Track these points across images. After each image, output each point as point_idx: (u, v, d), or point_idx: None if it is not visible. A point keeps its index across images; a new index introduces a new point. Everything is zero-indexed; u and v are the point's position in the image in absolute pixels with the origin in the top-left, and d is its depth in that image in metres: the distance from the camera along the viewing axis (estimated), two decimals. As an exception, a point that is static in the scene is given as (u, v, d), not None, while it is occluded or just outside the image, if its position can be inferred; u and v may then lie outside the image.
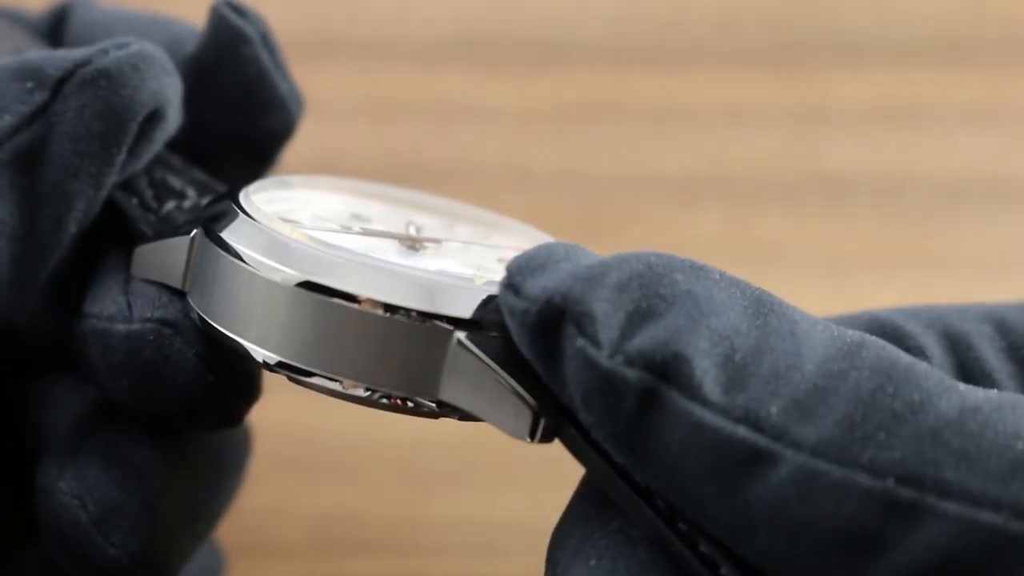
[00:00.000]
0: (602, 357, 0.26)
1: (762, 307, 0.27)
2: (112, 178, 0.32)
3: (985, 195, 0.55)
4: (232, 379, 0.32)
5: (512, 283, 0.28)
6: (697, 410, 0.26)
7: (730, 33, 0.60)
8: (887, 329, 0.31)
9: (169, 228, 0.33)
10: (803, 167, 0.56)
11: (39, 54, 0.32)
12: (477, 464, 0.47)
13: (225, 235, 0.32)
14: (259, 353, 0.31)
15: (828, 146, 0.57)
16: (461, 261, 0.33)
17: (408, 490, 0.47)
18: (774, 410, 0.25)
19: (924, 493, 0.24)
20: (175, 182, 0.35)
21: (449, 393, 0.30)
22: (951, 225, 0.55)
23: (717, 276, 0.28)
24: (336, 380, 0.31)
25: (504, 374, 0.29)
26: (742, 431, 0.25)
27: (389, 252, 0.33)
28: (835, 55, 0.59)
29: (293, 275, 0.30)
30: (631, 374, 0.26)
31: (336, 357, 0.30)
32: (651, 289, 0.27)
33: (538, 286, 0.27)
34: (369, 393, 0.31)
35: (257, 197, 0.34)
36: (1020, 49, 0.60)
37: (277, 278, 0.30)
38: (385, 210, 0.36)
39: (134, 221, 0.34)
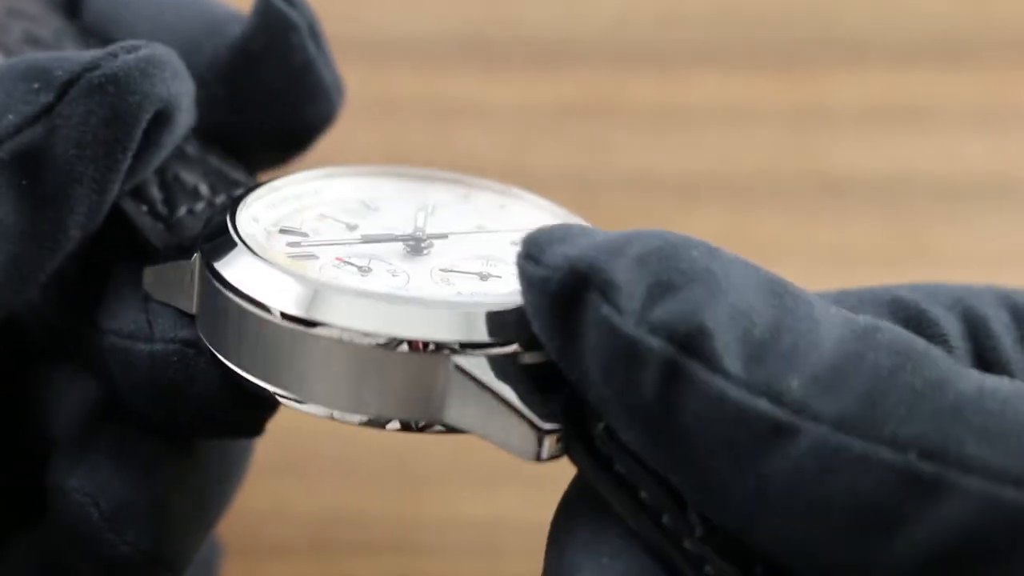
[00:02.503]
0: (627, 325, 0.26)
1: (777, 288, 0.27)
2: (117, 184, 0.32)
3: (985, 195, 0.55)
4: (254, 394, 0.32)
5: (531, 253, 0.28)
6: (719, 382, 0.26)
7: (730, 33, 0.60)
8: (910, 312, 0.30)
9: (176, 244, 0.33)
10: (803, 167, 0.56)
11: (47, 55, 0.32)
12: (477, 464, 0.47)
13: (219, 267, 0.31)
14: (257, 385, 0.31)
15: (828, 146, 0.57)
16: (470, 253, 0.33)
17: (408, 490, 0.47)
18: (795, 384, 0.25)
19: (946, 468, 0.24)
20: (188, 177, 0.35)
21: (453, 417, 0.30)
22: (951, 225, 0.55)
23: (732, 257, 0.28)
24: (333, 410, 0.31)
25: (505, 394, 0.29)
26: (763, 404, 0.25)
27: (392, 256, 0.33)
28: (835, 55, 0.59)
29: (280, 309, 0.30)
30: (655, 343, 0.26)
31: (332, 389, 0.30)
32: (671, 263, 0.27)
33: (559, 254, 0.27)
34: (368, 419, 0.30)
35: (259, 204, 0.34)
36: (1020, 49, 0.60)
37: (265, 313, 0.30)
38: (397, 189, 0.36)
39: (144, 233, 0.33)
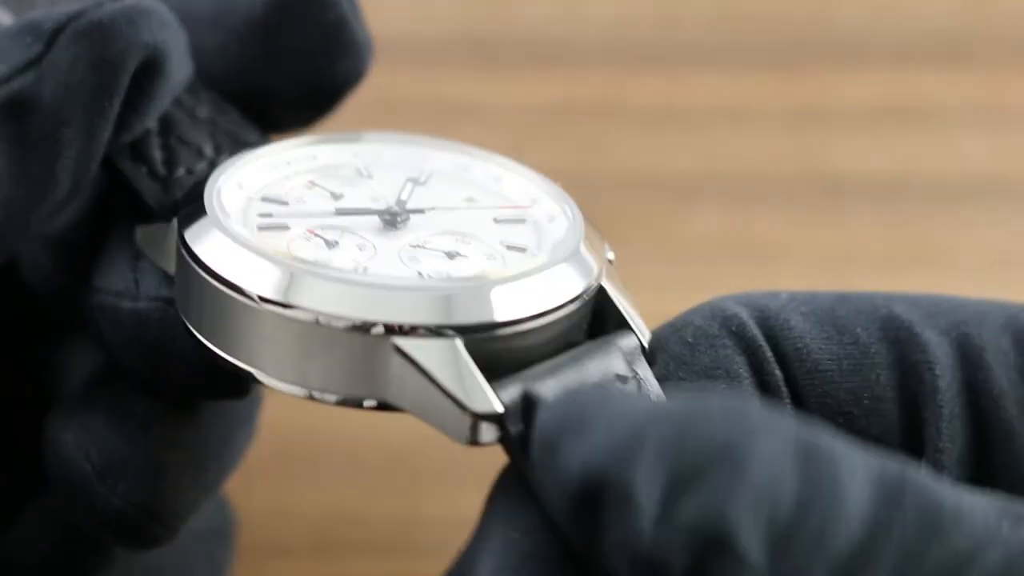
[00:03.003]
0: (648, 531, 0.26)
1: (803, 445, 0.26)
2: (106, 130, 0.33)
3: (985, 195, 0.55)
4: None
5: (545, 452, 0.27)
6: None
7: (730, 33, 0.60)
8: (900, 333, 0.30)
9: (172, 204, 0.34)
10: (803, 167, 0.56)
11: (43, 11, 0.33)
12: (477, 464, 0.47)
13: (187, 235, 0.32)
14: (213, 351, 0.32)
15: (828, 146, 0.57)
16: (445, 229, 0.33)
17: (408, 490, 0.47)
18: None
19: None
20: (193, 138, 0.35)
21: (393, 395, 0.30)
22: (951, 225, 0.55)
23: (755, 417, 0.27)
24: (275, 381, 0.31)
25: (439, 377, 0.29)
26: None
27: (366, 230, 0.33)
28: (835, 55, 0.59)
29: (232, 282, 0.31)
30: (677, 550, 0.26)
31: (278, 362, 0.31)
32: (690, 448, 0.26)
33: (575, 460, 0.27)
34: (309, 394, 0.31)
35: (249, 168, 0.34)
36: (1020, 49, 0.60)
37: (219, 284, 0.31)
38: (397, 155, 0.36)
39: (140, 193, 0.34)
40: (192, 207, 0.33)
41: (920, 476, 0.26)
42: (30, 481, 0.37)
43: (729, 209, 0.55)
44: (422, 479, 0.47)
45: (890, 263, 0.54)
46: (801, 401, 0.31)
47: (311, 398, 0.31)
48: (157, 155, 0.35)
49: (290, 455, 0.44)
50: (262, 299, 0.31)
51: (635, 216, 0.55)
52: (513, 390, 0.30)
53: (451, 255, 0.33)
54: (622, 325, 0.32)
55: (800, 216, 0.55)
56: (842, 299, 0.32)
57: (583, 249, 0.32)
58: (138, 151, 0.35)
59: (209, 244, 0.32)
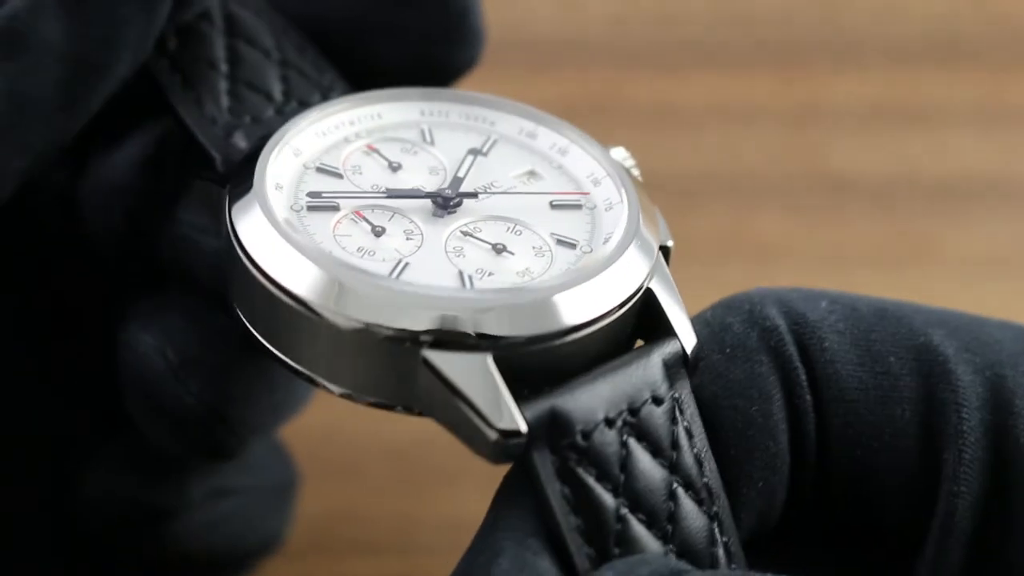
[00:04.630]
0: None
1: None
2: (166, 6, 0.32)
3: (985, 195, 0.55)
4: None
5: None
6: None
7: (730, 33, 0.60)
8: (934, 367, 0.30)
9: (231, 158, 0.33)
10: (803, 167, 0.56)
11: None
12: (477, 464, 0.47)
13: (233, 211, 0.32)
14: (255, 338, 0.32)
15: (828, 146, 0.57)
16: (499, 213, 0.33)
17: (408, 490, 0.47)
18: None
19: None
20: (263, 78, 0.35)
21: (423, 405, 0.30)
22: (951, 225, 0.55)
23: None
24: (317, 379, 0.31)
25: (468, 393, 0.29)
26: None
27: (416, 213, 0.32)
28: (835, 55, 0.59)
29: (269, 274, 0.31)
30: None
31: (312, 358, 0.31)
32: None
33: None
34: (345, 392, 0.31)
35: (311, 130, 0.33)
36: (1020, 49, 0.60)
37: (257, 273, 0.31)
38: (464, 115, 0.35)
39: (200, 143, 0.34)
40: (244, 175, 0.32)
41: None
42: (104, 426, 0.38)
43: (729, 209, 0.55)
44: (422, 479, 0.47)
45: (890, 263, 0.54)
46: (825, 428, 0.31)
47: (344, 396, 0.31)
48: (223, 101, 0.34)
49: (290, 455, 0.44)
50: (295, 298, 0.30)
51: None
52: (542, 405, 0.29)
53: (498, 249, 0.32)
54: (667, 331, 0.31)
55: (800, 216, 0.55)
56: (882, 315, 0.31)
57: (633, 248, 0.32)
58: (201, 94, 0.34)
59: (252, 227, 0.31)
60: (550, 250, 0.32)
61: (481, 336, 0.30)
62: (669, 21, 0.60)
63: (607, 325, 0.31)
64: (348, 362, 0.31)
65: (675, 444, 0.30)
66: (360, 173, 0.33)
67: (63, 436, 0.38)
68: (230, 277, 0.32)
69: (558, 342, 0.30)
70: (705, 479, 0.30)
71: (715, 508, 0.30)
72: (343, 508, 0.46)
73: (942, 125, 0.57)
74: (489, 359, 0.30)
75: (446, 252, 0.32)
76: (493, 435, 0.29)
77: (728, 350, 0.31)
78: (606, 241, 0.32)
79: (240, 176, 0.32)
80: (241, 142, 0.34)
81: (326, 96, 0.35)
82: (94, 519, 0.38)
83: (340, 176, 0.33)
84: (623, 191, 0.33)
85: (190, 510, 0.39)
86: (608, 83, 0.58)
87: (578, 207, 0.33)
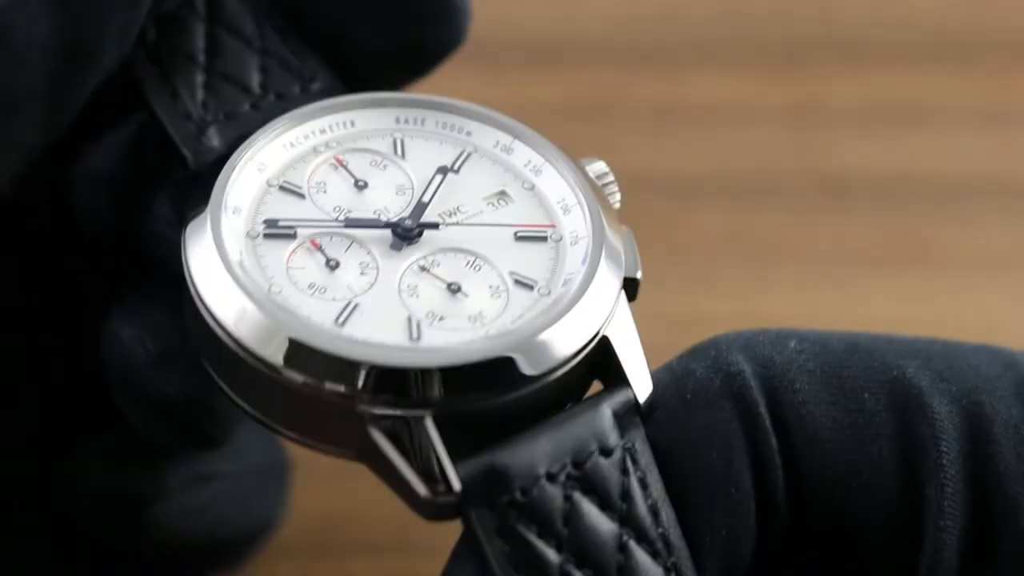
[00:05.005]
0: None
1: None
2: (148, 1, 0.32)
3: (985, 195, 0.55)
4: None
5: None
6: None
7: (730, 33, 0.60)
8: (909, 402, 0.30)
9: (204, 155, 0.33)
10: (803, 167, 0.56)
11: None
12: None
13: (187, 235, 0.31)
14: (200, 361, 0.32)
15: (828, 146, 0.57)
16: (460, 245, 0.32)
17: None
18: None
19: None
20: (241, 68, 0.34)
21: (360, 457, 0.30)
22: (951, 225, 0.55)
23: None
24: (260, 418, 0.31)
25: (394, 459, 0.29)
26: None
27: (375, 244, 0.32)
28: (835, 55, 0.59)
29: (214, 315, 0.30)
30: None
31: (257, 401, 0.31)
32: None
33: None
34: (293, 437, 0.31)
35: (279, 141, 0.33)
36: (1020, 49, 0.60)
37: (203, 312, 0.30)
38: (440, 123, 0.34)
39: (173, 139, 0.33)
40: (202, 194, 0.32)
41: None
42: (82, 418, 0.38)
43: (729, 209, 0.55)
44: (422, 479, 0.47)
45: (890, 263, 0.54)
46: (797, 471, 0.30)
47: (289, 440, 0.31)
48: (198, 95, 0.34)
49: (290, 455, 0.44)
50: (236, 342, 0.30)
51: (635, 216, 0.54)
52: (480, 462, 0.29)
53: (452, 289, 0.31)
54: (620, 380, 0.31)
55: (800, 216, 0.55)
56: (853, 350, 0.31)
57: (591, 295, 0.31)
58: (177, 88, 0.34)
59: (202, 259, 0.31)
60: (507, 290, 0.31)
61: (419, 396, 0.29)
62: (669, 21, 0.60)
63: (555, 378, 0.30)
64: (291, 410, 0.30)
65: (626, 495, 0.29)
66: (324, 191, 0.33)
67: (42, 428, 0.38)
68: (183, 296, 0.32)
69: (501, 399, 0.30)
70: (661, 530, 0.29)
71: (672, 559, 0.29)
72: (343, 508, 0.46)
73: (942, 125, 0.57)
74: (427, 419, 0.29)
75: (399, 291, 0.31)
76: (425, 494, 0.29)
77: (689, 396, 0.30)
78: (565, 283, 0.31)
79: (199, 193, 0.32)
80: (214, 139, 0.33)
81: (306, 88, 0.35)
82: (74, 510, 0.39)
83: (302, 196, 0.32)
84: (590, 223, 0.32)
85: (171, 497, 0.39)
86: (608, 83, 0.58)
87: (543, 239, 0.32)
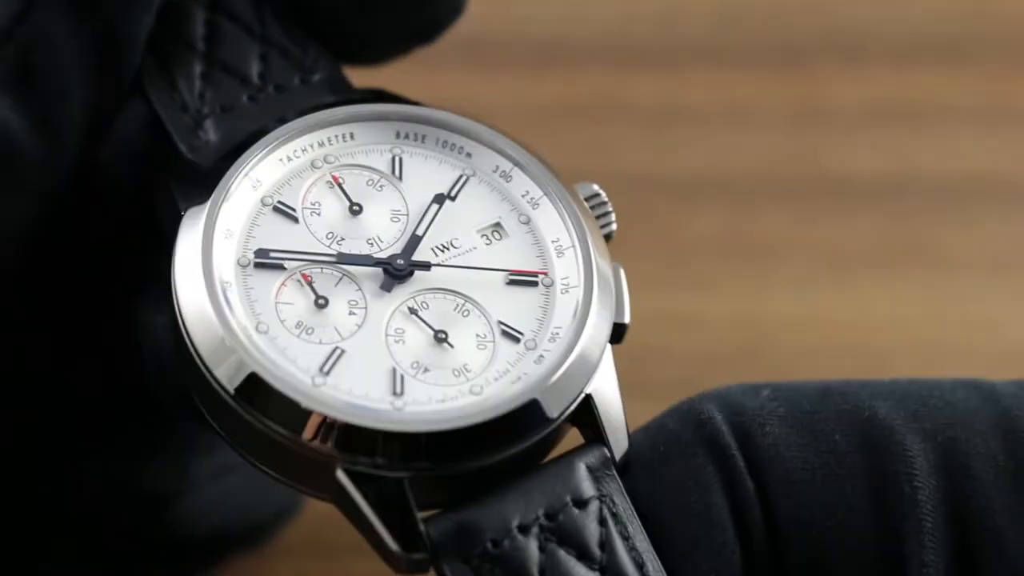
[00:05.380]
0: None
1: None
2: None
3: (985, 195, 0.55)
4: None
5: None
6: None
7: (730, 33, 0.60)
8: (880, 442, 0.30)
9: (200, 149, 0.32)
10: (803, 167, 0.56)
11: None
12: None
13: (176, 252, 0.31)
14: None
15: (828, 146, 0.57)
16: (451, 285, 0.32)
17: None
18: None
19: None
20: (241, 58, 0.34)
21: (340, 505, 0.30)
22: (951, 225, 0.55)
23: None
24: (242, 454, 0.31)
25: (369, 516, 0.29)
26: None
27: (365, 280, 0.31)
28: (835, 55, 0.59)
29: (198, 352, 0.30)
30: None
31: (237, 438, 0.31)
32: None
33: None
34: (276, 477, 0.31)
35: (276, 154, 0.32)
36: (1020, 49, 0.60)
37: (188, 343, 0.30)
38: (440, 142, 0.33)
39: (169, 132, 0.33)
40: (196, 196, 0.31)
41: None
42: (103, 414, 0.38)
43: (729, 209, 0.55)
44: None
45: (890, 263, 0.54)
46: (774, 512, 0.30)
47: (251, 465, 0.31)
48: (196, 86, 0.33)
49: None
50: (219, 384, 0.30)
51: (635, 216, 0.54)
52: (451, 518, 0.29)
53: (439, 338, 0.31)
54: (597, 437, 0.31)
55: (800, 216, 0.55)
56: (826, 394, 0.31)
57: (580, 350, 0.30)
58: (175, 78, 0.33)
59: (190, 288, 0.30)
60: (493, 341, 0.31)
61: (396, 460, 0.29)
62: (669, 21, 0.60)
63: (531, 444, 0.30)
64: (265, 450, 0.30)
65: (605, 545, 0.29)
66: (318, 214, 0.32)
67: (62, 426, 0.38)
68: (170, 316, 0.31)
69: (478, 464, 0.30)
70: None
71: None
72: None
73: (942, 125, 0.57)
74: (405, 482, 0.29)
75: (385, 336, 0.31)
76: (397, 550, 0.29)
77: (662, 448, 0.31)
78: (552, 338, 0.31)
79: (192, 195, 0.32)
80: (211, 132, 0.33)
81: (306, 79, 0.34)
82: (99, 510, 0.38)
83: (296, 220, 0.32)
84: (582, 271, 0.32)
85: (194, 491, 0.39)
86: (608, 83, 0.58)
87: (534, 284, 0.32)
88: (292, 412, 0.29)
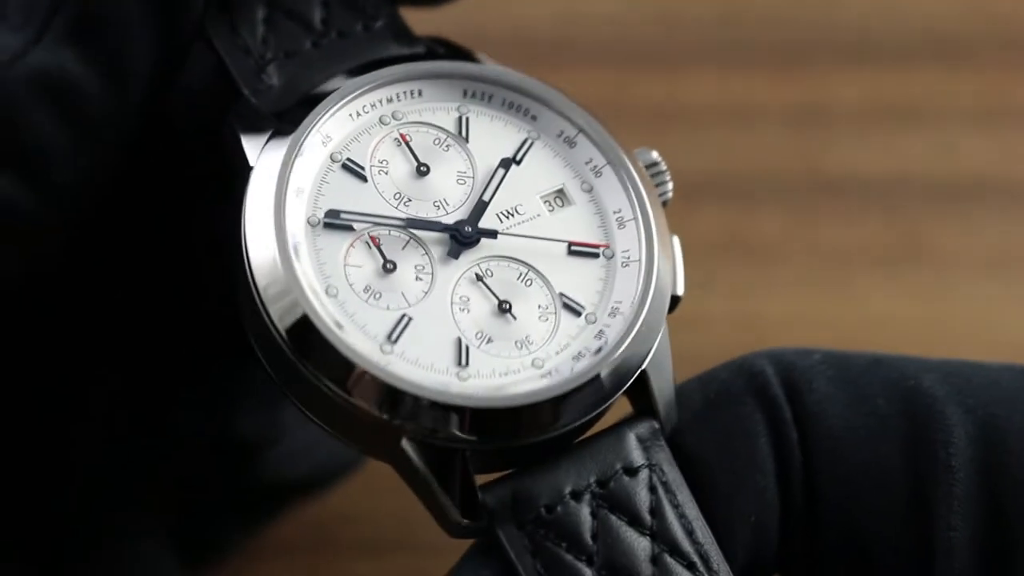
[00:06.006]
0: None
1: None
2: None
3: (985, 195, 0.55)
4: None
5: None
6: None
7: (730, 33, 0.60)
8: (920, 409, 0.30)
9: (264, 94, 0.32)
10: (803, 167, 0.56)
11: None
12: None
13: (246, 211, 0.31)
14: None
15: (828, 146, 0.57)
16: (515, 253, 0.32)
17: (408, 490, 0.47)
18: None
19: None
20: (303, 4, 0.34)
21: (401, 469, 0.30)
22: (951, 225, 0.55)
23: None
24: (305, 412, 0.31)
25: (431, 482, 0.30)
26: None
27: (433, 244, 0.32)
28: (835, 55, 0.59)
29: (269, 314, 0.30)
30: None
31: (302, 396, 0.31)
32: None
33: None
34: (337, 436, 0.31)
35: (344, 111, 0.32)
36: (1020, 49, 0.60)
37: (258, 303, 0.30)
38: (505, 105, 0.33)
39: (232, 75, 0.33)
40: (265, 169, 0.31)
41: None
42: (191, 367, 0.38)
43: (729, 209, 0.55)
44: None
45: (890, 263, 0.54)
46: (813, 465, 0.31)
47: (309, 420, 0.31)
48: (259, 30, 0.33)
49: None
50: (284, 341, 0.30)
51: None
52: (508, 486, 0.30)
53: (503, 308, 0.31)
54: (647, 411, 0.31)
55: (800, 216, 0.55)
56: (876, 364, 0.31)
57: (640, 328, 0.31)
58: (236, 21, 0.33)
59: (260, 242, 0.30)
60: (555, 313, 0.31)
61: (460, 432, 0.30)
62: (669, 21, 0.60)
63: (587, 421, 0.31)
64: (326, 409, 0.30)
65: (655, 511, 0.30)
66: (386, 172, 0.32)
67: (148, 380, 0.38)
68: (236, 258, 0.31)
69: (537, 439, 0.30)
70: (697, 544, 0.30)
71: (711, 574, 0.30)
72: (343, 508, 0.46)
73: (942, 125, 0.57)
74: (466, 453, 0.30)
75: (451, 303, 0.31)
76: (457, 518, 0.30)
77: (713, 396, 0.31)
78: (612, 314, 0.31)
79: (258, 151, 0.31)
80: (274, 77, 0.33)
81: (368, 26, 0.34)
82: (193, 459, 0.39)
83: (364, 179, 0.32)
84: (644, 244, 0.32)
85: (280, 441, 0.39)
86: (608, 83, 0.58)
87: (595, 256, 0.32)
88: (363, 382, 0.30)
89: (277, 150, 0.31)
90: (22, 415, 0.38)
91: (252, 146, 0.32)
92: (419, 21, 0.37)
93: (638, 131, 0.57)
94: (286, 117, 0.32)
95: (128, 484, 0.39)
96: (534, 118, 0.34)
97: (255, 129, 0.32)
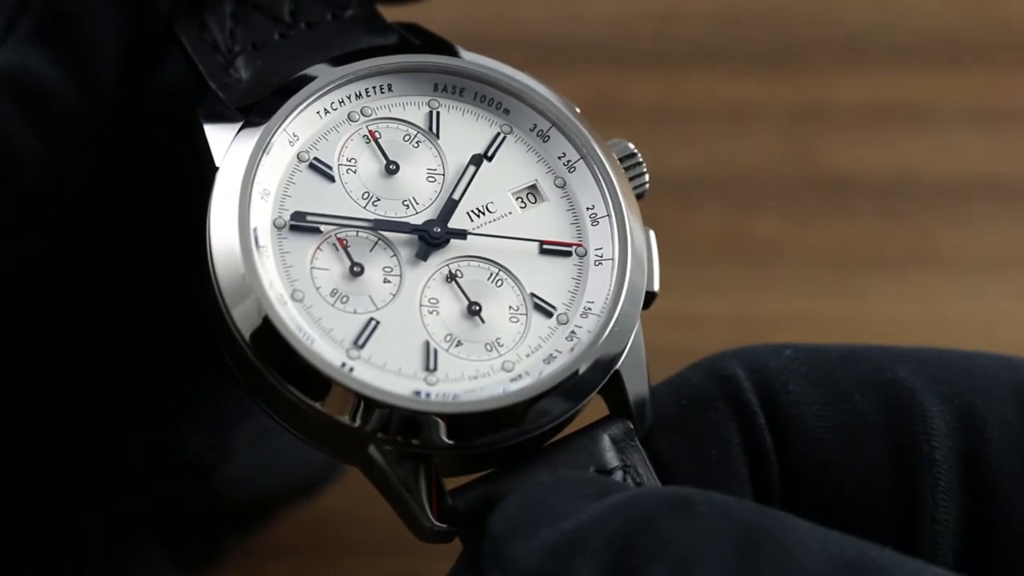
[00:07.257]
0: None
1: (752, 544, 0.26)
2: None
3: (985, 195, 0.55)
4: None
5: (494, 550, 0.28)
6: None
7: (730, 33, 0.60)
8: (901, 401, 0.30)
9: (231, 88, 0.32)
10: (803, 167, 0.56)
11: None
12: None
13: (211, 211, 0.30)
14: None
15: (828, 146, 0.57)
16: (485, 254, 0.31)
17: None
18: None
19: None
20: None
21: (370, 475, 0.30)
22: (951, 225, 0.55)
23: (703, 509, 0.26)
24: (267, 412, 0.31)
25: (399, 487, 0.29)
26: None
27: (401, 246, 0.31)
28: (835, 55, 0.59)
29: (233, 318, 0.30)
30: None
31: (276, 408, 0.30)
32: (629, 547, 0.26)
33: (519, 566, 0.27)
34: (304, 440, 0.31)
35: (312, 108, 0.32)
36: (1020, 49, 0.60)
37: (222, 306, 0.30)
38: (478, 98, 0.33)
39: (199, 69, 0.33)
40: (233, 163, 0.31)
41: (872, 552, 0.26)
42: (144, 390, 0.38)
43: (729, 209, 0.55)
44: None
45: (890, 263, 0.54)
46: (792, 468, 0.31)
47: (278, 425, 0.31)
48: (227, 24, 0.33)
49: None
50: (257, 353, 0.29)
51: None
52: (478, 491, 0.30)
53: (473, 310, 0.31)
54: (622, 411, 0.31)
55: (800, 216, 0.55)
56: (848, 357, 0.31)
57: (612, 327, 0.30)
58: (206, 18, 0.33)
59: (224, 246, 0.30)
60: (526, 314, 0.31)
61: (428, 440, 0.29)
62: (669, 21, 0.60)
63: (558, 425, 0.30)
64: (295, 416, 0.30)
65: None
66: (354, 171, 0.32)
67: (104, 402, 0.38)
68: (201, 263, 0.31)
69: (507, 443, 0.30)
70: None
71: None
72: (343, 508, 0.46)
73: (942, 125, 0.57)
74: (433, 460, 0.30)
75: (420, 306, 0.31)
76: (426, 522, 0.29)
77: (685, 402, 0.31)
78: (584, 315, 0.31)
79: (224, 148, 0.31)
80: (242, 71, 0.32)
81: (338, 15, 0.34)
82: (141, 482, 0.39)
83: (332, 179, 0.31)
84: (616, 241, 0.32)
85: (236, 458, 0.39)
86: (608, 83, 0.58)
87: (568, 255, 0.32)
88: (328, 389, 0.29)
89: (243, 148, 0.31)
90: (21, 418, 0.38)
91: (219, 142, 0.31)
92: (418, 19, 0.37)
93: (638, 131, 0.57)
94: (255, 110, 0.32)
95: (111, 498, 0.39)
96: (507, 111, 0.33)
97: (221, 123, 0.32)
